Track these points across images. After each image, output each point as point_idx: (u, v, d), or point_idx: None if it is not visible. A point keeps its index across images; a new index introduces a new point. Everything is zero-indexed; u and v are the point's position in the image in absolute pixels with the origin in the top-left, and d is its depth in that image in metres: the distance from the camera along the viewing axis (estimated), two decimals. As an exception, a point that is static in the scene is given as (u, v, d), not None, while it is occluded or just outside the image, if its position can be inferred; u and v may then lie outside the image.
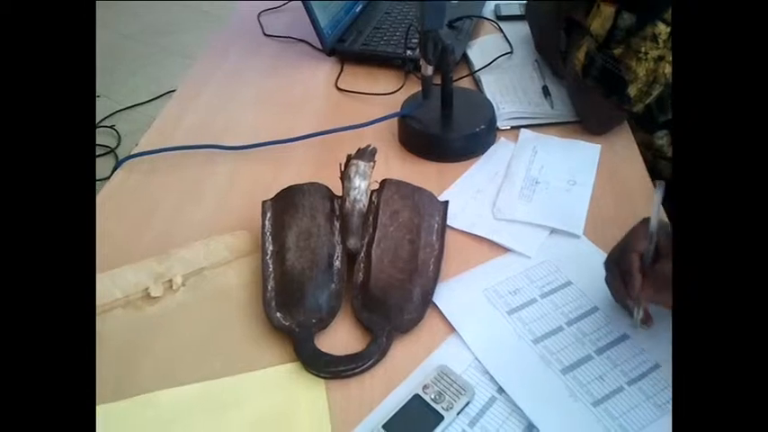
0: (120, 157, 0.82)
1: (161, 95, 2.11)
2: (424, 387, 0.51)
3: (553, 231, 0.66)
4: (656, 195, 0.50)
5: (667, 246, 0.52)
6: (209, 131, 0.83)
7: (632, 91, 0.72)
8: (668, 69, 0.71)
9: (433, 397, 0.50)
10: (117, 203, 0.73)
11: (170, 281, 0.62)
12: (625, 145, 0.78)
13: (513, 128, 0.81)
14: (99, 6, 2.68)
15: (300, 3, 0.92)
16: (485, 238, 0.66)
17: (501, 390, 0.52)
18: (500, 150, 0.78)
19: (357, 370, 0.53)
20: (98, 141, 2.00)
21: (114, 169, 0.78)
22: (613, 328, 0.56)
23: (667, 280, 0.51)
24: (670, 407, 0.50)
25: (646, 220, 0.53)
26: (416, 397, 0.51)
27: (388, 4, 1.08)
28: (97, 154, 1.96)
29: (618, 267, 0.54)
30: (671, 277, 0.50)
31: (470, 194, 0.72)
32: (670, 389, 0.51)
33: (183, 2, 2.78)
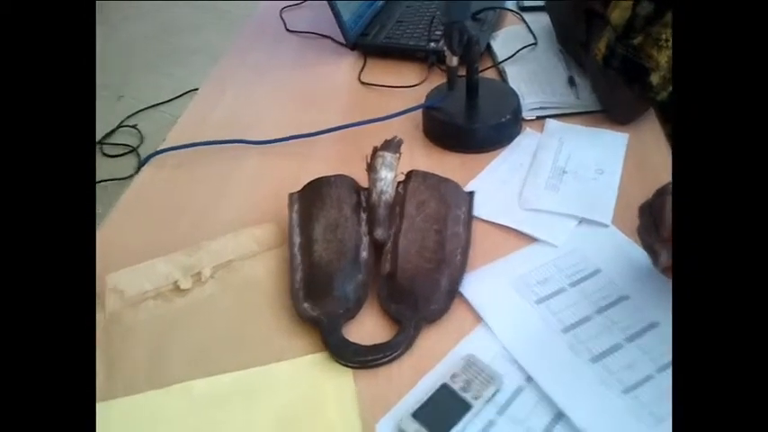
0: (143, 156, 0.83)
1: (183, 94, 2.13)
2: (452, 376, 0.51)
3: (581, 221, 0.65)
4: None
5: None
6: (236, 127, 0.84)
7: (655, 79, 0.71)
8: None
9: (461, 386, 0.50)
10: (146, 199, 0.75)
11: (199, 273, 0.63)
12: (652, 134, 0.77)
13: (538, 118, 0.80)
14: (119, 6, 2.71)
15: (323, -2, 0.93)
16: (512, 229, 0.65)
17: (529, 378, 0.52)
18: (525, 141, 0.77)
19: (385, 360, 0.53)
20: (120, 141, 2.04)
21: (141, 166, 0.80)
22: (643, 316, 0.55)
23: None
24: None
25: None
26: (444, 386, 0.51)
27: (409, -3, 1.08)
28: (119, 153, 2.00)
29: (651, 210, 0.53)
30: None
31: (496, 185, 0.71)
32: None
33: (205, 1, 2.81)
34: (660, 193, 0.54)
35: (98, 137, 2.04)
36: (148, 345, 0.57)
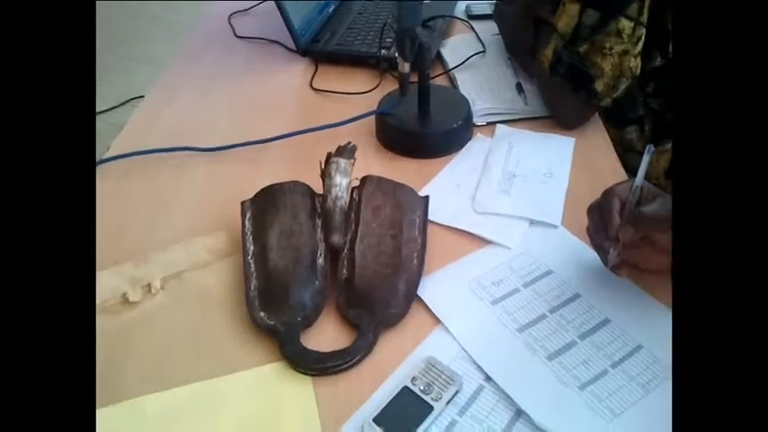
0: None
1: (126, 102, 2.07)
2: (413, 379, 0.51)
3: (532, 222, 0.67)
4: (646, 155, 0.52)
5: (649, 195, 0.54)
6: (184, 135, 0.81)
7: (599, 86, 0.74)
8: (633, 63, 0.73)
9: (422, 388, 0.50)
10: (90, 209, 0.72)
11: (149, 285, 0.60)
12: (598, 138, 0.80)
13: (488, 123, 0.82)
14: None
15: (273, 3, 0.92)
16: (466, 232, 0.66)
17: (488, 378, 0.52)
18: (477, 146, 0.79)
19: (344, 366, 0.53)
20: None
21: (86, 174, 0.76)
22: (595, 314, 0.57)
23: (645, 218, 0.53)
24: (653, 386, 0.51)
25: (626, 181, 0.55)
26: (405, 389, 0.51)
27: (360, 4, 1.08)
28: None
29: (599, 211, 0.56)
30: (649, 216, 0.53)
31: (450, 189, 0.72)
32: (652, 368, 0.52)
33: (151, 11, 2.74)
34: (607, 193, 0.56)
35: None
36: (97, 360, 0.54)
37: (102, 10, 2.70)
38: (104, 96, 2.14)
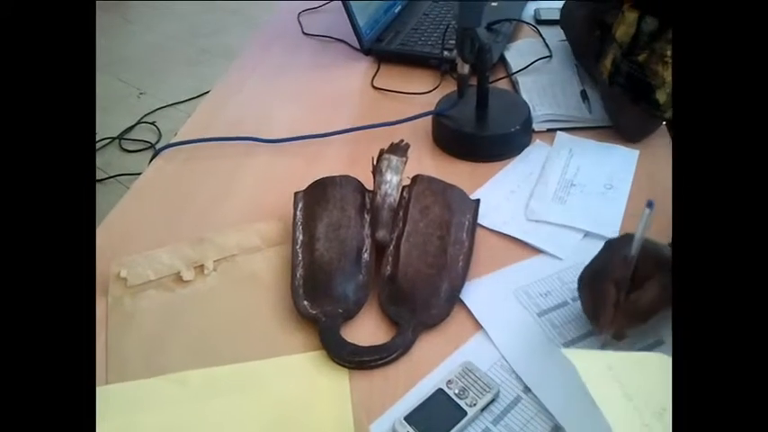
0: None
1: (202, 94, 2.16)
2: (448, 382, 0.51)
3: (587, 234, 0.65)
4: (644, 216, 0.46)
5: (647, 270, 0.50)
6: (248, 125, 0.84)
7: (660, 96, 0.70)
8: None
9: (456, 392, 0.50)
10: (154, 190, 0.75)
11: (202, 265, 0.63)
12: (664, 152, 0.76)
13: (549, 130, 0.80)
14: (143, 8, 2.77)
15: (340, 3, 0.93)
16: (516, 239, 0.65)
17: (527, 389, 0.51)
18: (535, 152, 0.77)
19: (381, 361, 0.53)
20: (139, 137, 2.07)
21: (153, 158, 0.81)
22: (649, 333, 0.54)
23: (640, 312, 0.50)
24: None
25: (626, 238, 0.50)
26: (440, 391, 0.50)
27: (427, 5, 1.08)
28: (137, 149, 2.02)
29: (591, 292, 0.52)
30: (645, 309, 0.50)
31: (503, 194, 0.71)
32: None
33: (228, 4, 2.85)
34: (600, 275, 0.52)
35: (117, 132, 2.07)
36: (147, 332, 0.57)
37: (183, 5, 2.85)
38: (184, 87, 2.25)
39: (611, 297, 0.50)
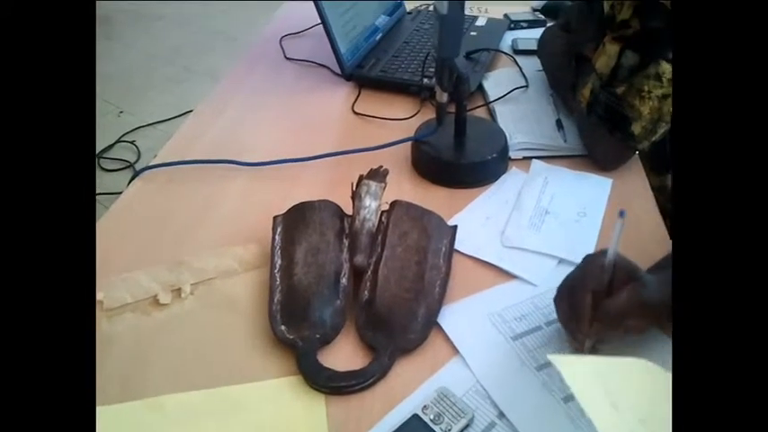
0: (138, 172, 0.84)
1: (183, 113, 2.16)
2: (424, 407, 0.51)
3: (561, 261, 0.66)
4: (617, 226, 0.49)
5: (621, 280, 0.52)
6: (227, 148, 0.85)
7: (636, 129, 0.73)
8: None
9: (432, 417, 0.50)
10: (133, 212, 0.75)
11: (179, 289, 0.63)
12: (637, 181, 0.78)
13: (525, 158, 0.82)
14: (126, 27, 2.77)
15: (322, 29, 0.95)
16: (492, 264, 0.66)
17: (501, 415, 0.51)
18: (511, 179, 0.79)
19: (358, 387, 0.53)
20: (118, 156, 2.05)
21: (132, 179, 0.80)
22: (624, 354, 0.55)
23: (616, 318, 0.52)
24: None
25: (601, 253, 0.53)
26: (415, 417, 0.50)
27: (407, 33, 1.11)
28: (117, 168, 2.01)
29: (568, 303, 0.54)
30: (620, 314, 0.51)
31: (480, 221, 0.72)
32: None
33: (211, 24, 2.87)
34: (576, 286, 0.54)
35: (96, 151, 2.05)
36: (124, 356, 0.56)
37: (166, 23, 2.86)
38: (165, 106, 2.25)
39: (588, 306, 0.52)
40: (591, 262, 0.54)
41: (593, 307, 0.52)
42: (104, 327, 0.59)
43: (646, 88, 0.70)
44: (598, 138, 0.78)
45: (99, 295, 0.61)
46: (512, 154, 0.81)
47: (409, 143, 0.81)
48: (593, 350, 0.54)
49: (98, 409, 0.51)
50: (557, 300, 0.56)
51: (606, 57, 0.73)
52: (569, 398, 0.52)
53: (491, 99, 0.93)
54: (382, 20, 1.11)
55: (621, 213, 0.48)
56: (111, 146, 2.10)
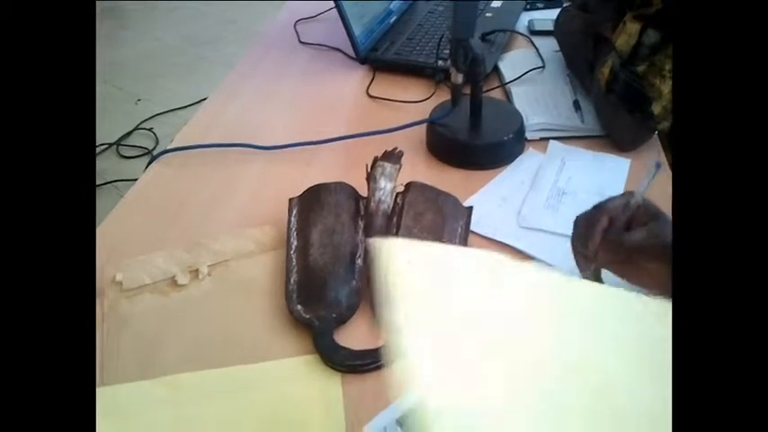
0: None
1: (200, 101, 2.17)
2: (440, 386, 0.51)
3: (577, 241, 0.66)
4: (651, 172, 0.49)
5: (640, 219, 0.51)
6: (243, 132, 0.85)
7: (656, 109, 0.71)
8: None
9: (447, 396, 0.50)
10: (151, 196, 0.76)
11: (197, 270, 0.64)
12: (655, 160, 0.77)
13: (542, 139, 0.81)
14: (142, 16, 2.79)
15: (336, 13, 0.95)
16: (508, 245, 0.66)
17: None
18: (528, 160, 0.78)
19: (373, 366, 0.54)
20: (136, 143, 2.08)
21: (149, 164, 0.81)
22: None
23: (623, 248, 0.50)
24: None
25: (629, 193, 0.52)
26: (431, 395, 0.51)
27: (421, 16, 1.10)
28: (135, 155, 2.03)
29: (584, 222, 0.53)
30: (628, 246, 0.50)
31: (496, 202, 0.72)
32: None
33: (224, 13, 2.87)
34: (598, 207, 0.53)
35: (115, 138, 2.08)
36: (142, 336, 0.57)
37: (180, 13, 2.87)
38: (182, 94, 2.26)
39: (602, 223, 0.51)
40: (615, 198, 0.53)
41: (606, 225, 0.51)
42: (123, 307, 0.60)
43: (667, 67, 0.69)
44: (617, 118, 0.76)
45: (118, 276, 0.62)
46: (528, 135, 0.81)
47: (424, 125, 0.80)
48: (594, 279, 0.53)
49: (116, 386, 0.53)
50: (576, 221, 0.54)
51: (627, 35, 0.72)
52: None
53: (507, 80, 0.92)
54: (396, 2, 1.10)
55: (658, 165, 0.48)
56: (129, 133, 2.12)
